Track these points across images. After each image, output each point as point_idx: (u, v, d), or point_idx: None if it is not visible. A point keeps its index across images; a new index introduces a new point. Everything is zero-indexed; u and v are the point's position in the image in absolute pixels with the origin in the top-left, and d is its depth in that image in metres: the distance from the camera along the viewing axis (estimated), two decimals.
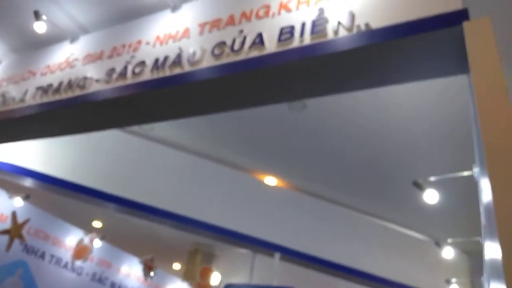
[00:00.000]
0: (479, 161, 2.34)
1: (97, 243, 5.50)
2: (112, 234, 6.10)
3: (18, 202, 4.91)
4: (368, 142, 4.57)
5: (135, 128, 5.17)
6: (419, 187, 3.58)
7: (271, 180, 5.82)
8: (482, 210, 2.57)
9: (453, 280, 5.48)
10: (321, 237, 5.74)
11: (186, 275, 8.27)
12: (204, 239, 8.54)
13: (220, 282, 8.88)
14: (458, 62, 1.93)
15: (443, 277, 5.66)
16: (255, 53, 2.39)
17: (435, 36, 1.88)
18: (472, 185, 3.26)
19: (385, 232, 6.10)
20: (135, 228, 8.74)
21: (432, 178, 3.62)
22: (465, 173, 3.39)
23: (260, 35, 2.43)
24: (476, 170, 2.63)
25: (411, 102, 3.95)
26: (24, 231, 4.95)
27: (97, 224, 7.77)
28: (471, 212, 3.79)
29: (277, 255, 5.34)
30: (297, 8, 2.43)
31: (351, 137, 4.54)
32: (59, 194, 5.28)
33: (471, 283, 6.30)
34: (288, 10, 2.46)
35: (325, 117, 4.49)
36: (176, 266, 10.73)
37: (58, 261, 5.38)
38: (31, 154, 4.77)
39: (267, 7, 2.56)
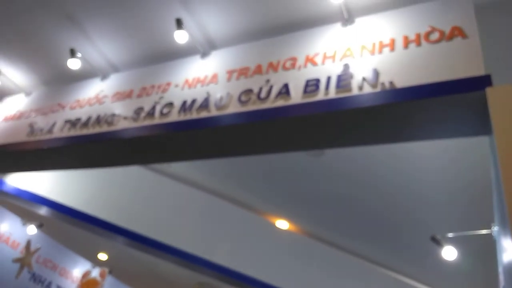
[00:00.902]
0: (500, 221, 2.35)
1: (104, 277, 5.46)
2: (117, 268, 6.04)
3: (31, 230, 4.95)
4: (384, 191, 4.57)
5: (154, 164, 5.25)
6: (436, 242, 3.55)
7: (282, 224, 5.79)
8: (501, 269, 2.54)
9: None
10: (330, 284, 5.62)
11: None
12: (208, 278, 8.40)
13: None
14: (480, 124, 2.00)
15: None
16: (281, 102, 2.49)
17: (458, 99, 1.95)
18: (488, 243, 3.23)
19: (397, 285, 5.96)
20: (139, 263, 8.64)
21: (450, 234, 3.59)
22: (483, 231, 3.36)
23: (286, 86, 2.54)
24: (495, 229, 2.62)
25: (429, 153, 3.99)
26: (33, 260, 4.95)
27: (102, 256, 7.72)
28: (487, 270, 3.73)
29: None
30: (323, 63, 2.55)
31: (368, 185, 4.55)
32: (71, 224, 5.32)
33: None
34: (314, 63, 2.59)
35: (342, 163, 4.53)
36: None
37: None
38: (48, 183, 4.86)
39: (294, 60, 2.69)
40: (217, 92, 2.80)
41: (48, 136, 3.51)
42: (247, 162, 5.01)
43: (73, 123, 3.39)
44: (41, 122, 3.72)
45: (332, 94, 2.34)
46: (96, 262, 5.88)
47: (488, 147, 2.04)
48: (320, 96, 2.38)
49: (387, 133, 2.30)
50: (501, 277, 2.52)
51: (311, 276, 5.57)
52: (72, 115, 3.52)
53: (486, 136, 2.08)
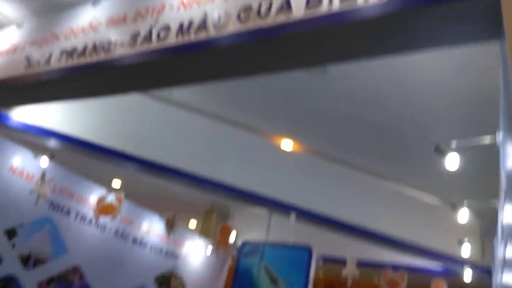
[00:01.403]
0: (505, 127, 2.35)
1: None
2: (131, 193, 6.27)
3: (44, 162, 5.09)
4: (387, 106, 4.57)
5: (155, 92, 5.22)
6: (440, 152, 3.61)
7: (287, 143, 5.88)
8: (503, 174, 2.61)
9: (465, 240, 5.62)
10: (337, 199, 5.88)
11: (202, 233, 8.58)
12: (220, 198, 8.78)
13: (235, 240, 9.21)
14: (492, 28, 1.92)
15: (455, 238, 5.81)
16: (282, 18, 2.37)
17: (470, 3, 1.85)
18: (491, 153, 3.29)
19: (399, 195, 6.21)
20: (152, 187, 8.99)
21: (453, 144, 3.64)
22: (486, 138, 3.40)
23: (287, 0, 2.40)
24: (500, 136, 2.64)
25: (432, 66, 3.90)
26: (49, 190, 5.16)
27: (116, 183, 8.02)
28: (487, 177, 3.84)
29: (293, 215, 5.51)
30: None
31: (371, 101, 4.53)
32: (81, 154, 5.45)
33: (482, 245, 6.46)
34: None
35: (344, 81, 4.47)
36: (192, 223, 11.12)
37: (83, 218, 5.63)
38: (56, 116, 4.89)
39: None
40: (215, 11, 2.67)
41: (46, 68, 3.45)
42: (249, 85, 4.94)
43: (69, 53, 3.31)
44: (37, 54, 3.63)
45: (336, 6, 2.22)
46: (111, 189, 6.13)
47: (498, 53, 1.98)
48: (324, 9, 2.26)
49: (396, 43, 2.22)
50: (503, 183, 2.59)
51: (317, 189, 5.80)
52: (68, 44, 3.42)
53: (495, 42, 2.01)
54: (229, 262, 8.74)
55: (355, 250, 6.61)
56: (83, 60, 3.19)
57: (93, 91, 3.52)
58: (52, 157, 5.15)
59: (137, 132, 5.37)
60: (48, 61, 3.47)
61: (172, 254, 7.21)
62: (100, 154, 5.20)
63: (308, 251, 4.96)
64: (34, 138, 5.20)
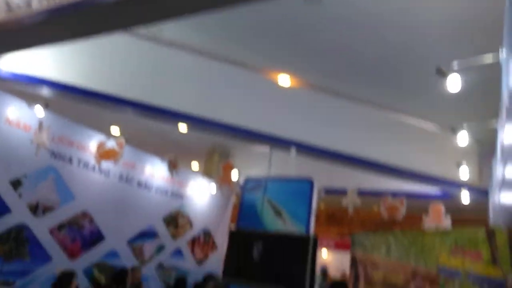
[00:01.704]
0: (509, 44, 2.28)
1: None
2: (130, 139, 6.28)
3: (39, 111, 5.02)
4: (384, 31, 4.43)
5: (145, 32, 5.02)
6: (442, 74, 3.54)
7: (285, 79, 5.78)
8: (505, 92, 2.58)
9: (463, 163, 5.73)
10: (336, 131, 5.90)
11: (205, 173, 8.74)
12: (220, 139, 8.82)
13: (238, 178, 9.40)
14: None
15: (453, 163, 5.91)
16: None
17: None
18: (491, 71, 3.22)
19: (398, 124, 6.22)
20: (152, 133, 9.01)
21: (454, 64, 3.56)
22: (488, 57, 3.32)
23: None
24: (503, 52, 2.57)
25: None
26: (48, 139, 5.15)
27: (115, 130, 8.01)
28: (488, 98, 3.81)
29: (293, 150, 5.56)
30: None
31: (369, 28, 4.38)
32: (76, 101, 5.37)
33: (479, 167, 6.60)
34: None
35: (341, 9, 4.28)
36: (195, 166, 11.29)
37: (85, 164, 5.68)
38: (47, 63, 4.74)
39: None
40: None
41: (27, 11, 3.27)
42: (243, 19, 4.75)
43: None
44: None
45: None
46: (110, 136, 6.13)
47: None
48: None
49: None
50: (505, 100, 2.56)
51: (316, 123, 5.80)
52: None
53: None
54: (233, 199, 9.00)
55: (355, 181, 6.78)
56: (65, 0, 3.02)
57: (77, 32, 3.37)
58: (46, 106, 5.07)
59: (132, 75, 5.25)
60: (29, 3, 3.28)
61: (178, 195, 7.38)
62: (96, 100, 5.12)
63: (310, 183, 5.07)
64: (25, 88, 5.09)
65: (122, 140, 5.26)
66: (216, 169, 8.96)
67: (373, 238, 1.81)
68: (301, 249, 4.75)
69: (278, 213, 5.14)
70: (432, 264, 1.57)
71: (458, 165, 5.74)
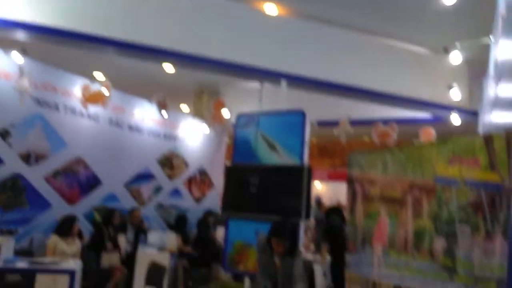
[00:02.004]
0: None
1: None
2: (116, 84, 6.09)
3: (17, 57, 4.79)
4: None
5: None
6: None
7: (271, 8, 5.53)
8: (502, 3, 2.48)
9: (454, 85, 5.71)
10: (325, 60, 5.77)
11: (195, 114, 8.67)
12: (208, 77, 8.63)
13: (230, 116, 9.35)
14: None
15: (444, 85, 5.89)
16: None
17: None
18: None
19: (389, 49, 6.10)
20: (137, 75, 8.76)
21: None
22: None
23: None
24: None
25: None
26: (31, 85, 4.97)
27: (98, 75, 7.77)
28: (481, 13, 3.69)
29: (284, 82, 5.47)
30: None
31: None
32: (55, 44, 5.13)
33: (470, 89, 6.60)
34: None
35: None
36: (185, 108, 11.17)
37: (73, 110, 5.55)
38: (19, 4, 4.43)
39: None
40: None
41: None
42: None
43: None
44: None
45: None
46: (94, 80, 5.94)
47: None
48: None
49: None
50: (502, 11, 2.47)
51: (305, 53, 5.66)
52: None
53: None
54: (226, 137, 9.03)
55: (347, 111, 6.75)
56: None
57: None
58: (24, 51, 4.84)
59: (112, 13, 4.97)
60: None
61: (170, 136, 7.37)
62: (76, 41, 4.88)
63: (302, 114, 5.03)
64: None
65: (108, 83, 5.10)
66: (206, 109, 8.88)
67: (369, 157, 1.81)
68: (296, 179, 4.84)
69: (272, 146, 5.15)
70: (429, 175, 1.58)
71: (449, 87, 5.73)
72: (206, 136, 8.37)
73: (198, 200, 8.10)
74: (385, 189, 1.73)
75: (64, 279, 3.87)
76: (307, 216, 4.81)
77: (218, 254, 6.67)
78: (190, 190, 7.88)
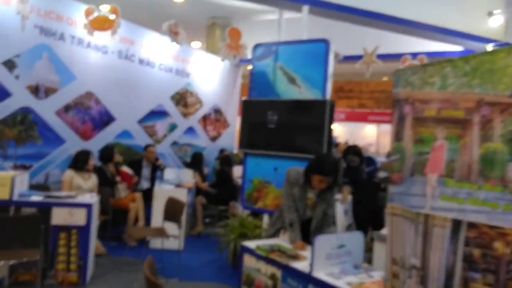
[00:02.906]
0: None
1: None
2: (122, 15, 5.68)
3: None
4: None
5: None
6: None
7: None
8: None
9: (490, 14, 5.17)
10: None
11: (208, 49, 8.26)
12: (220, 9, 8.11)
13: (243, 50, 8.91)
14: None
15: (478, 15, 5.35)
16: None
17: None
18: None
19: None
20: (145, 7, 8.26)
21: None
22: None
23: None
24: None
25: None
26: (34, 13, 4.64)
27: (105, 8, 7.31)
28: None
29: (305, 8, 5.00)
30: None
31: None
32: None
33: (506, 21, 6.02)
34: None
35: None
36: (196, 44, 10.70)
37: (80, 41, 5.22)
38: None
39: None
40: None
41: None
42: None
43: None
44: None
45: None
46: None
47: None
48: None
49: None
50: None
51: None
52: None
53: None
54: (240, 74, 8.68)
55: (372, 44, 6.25)
56: None
57: None
58: None
59: None
60: None
61: (183, 72, 7.06)
62: None
63: (325, 43, 4.63)
64: None
65: (117, 8, 4.67)
66: (218, 43, 8.45)
67: (423, 72, 1.52)
68: (318, 114, 4.56)
69: (292, 79, 4.81)
70: (504, 88, 1.28)
71: (488, 14, 5.18)
72: (221, 73, 8.03)
73: (213, 139, 7.95)
74: (444, 108, 1.45)
75: (81, 213, 3.81)
76: (329, 152, 4.60)
77: (236, 191, 6.63)
78: (205, 129, 7.71)
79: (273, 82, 4.99)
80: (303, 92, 4.78)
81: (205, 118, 7.69)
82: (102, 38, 5.49)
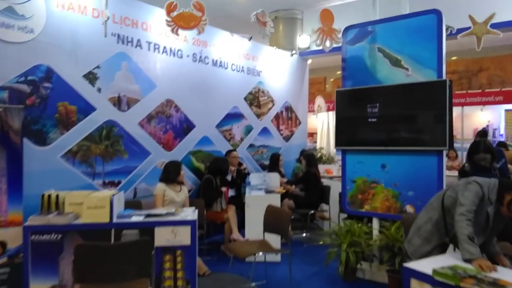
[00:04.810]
0: None
1: None
2: None
3: None
4: None
5: None
6: None
7: None
8: None
9: None
10: None
11: (272, 44, 7.80)
12: (282, 2, 7.63)
13: (309, 45, 8.36)
14: None
15: None
16: None
17: None
18: None
19: None
20: (207, 8, 7.94)
21: None
22: None
23: None
24: None
25: None
26: (109, 21, 4.38)
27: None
28: None
29: None
30: None
31: None
32: None
33: None
34: None
35: None
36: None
37: (156, 47, 4.93)
38: None
39: None
40: None
41: None
42: None
43: None
44: None
45: None
46: None
47: None
48: None
49: None
50: None
51: None
52: None
53: None
54: (307, 66, 8.16)
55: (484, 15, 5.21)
56: None
57: None
58: None
59: None
60: None
61: (254, 71, 6.65)
62: None
63: (437, 15, 3.98)
64: None
65: (202, 4, 4.25)
66: (282, 36, 7.96)
67: None
68: (435, 98, 3.91)
69: (396, 61, 4.20)
70: None
71: None
72: (289, 68, 7.55)
73: (286, 138, 7.47)
74: None
75: (185, 231, 3.43)
76: (451, 145, 3.94)
77: (325, 193, 6.09)
78: (278, 129, 7.25)
79: (372, 67, 4.41)
80: (411, 74, 4.16)
81: (277, 117, 7.23)
82: (176, 41, 5.18)
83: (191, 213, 3.64)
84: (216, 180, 5.21)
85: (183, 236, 3.44)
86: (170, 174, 4.35)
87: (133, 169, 4.69)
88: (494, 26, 4.46)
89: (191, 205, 4.49)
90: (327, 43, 4.04)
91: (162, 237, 3.43)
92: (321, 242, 4.50)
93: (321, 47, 4.05)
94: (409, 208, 4.13)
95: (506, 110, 10.68)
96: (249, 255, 3.59)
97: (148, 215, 3.54)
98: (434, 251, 2.70)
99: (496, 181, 2.47)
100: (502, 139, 10.37)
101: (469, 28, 4.39)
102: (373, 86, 4.33)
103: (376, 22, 4.43)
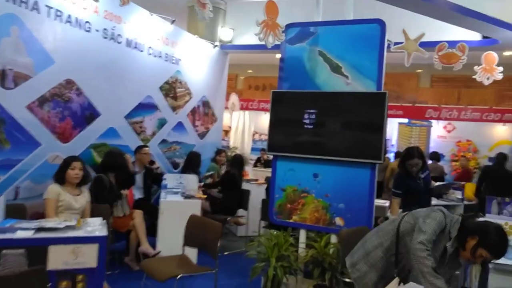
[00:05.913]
0: None
1: None
2: None
3: None
4: None
5: None
6: None
7: None
8: None
9: None
10: None
11: (191, 31, 7.17)
12: None
13: (232, 37, 7.91)
14: None
15: None
16: None
17: None
18: None
19: None
20: None
21: None
22: None
23: None
24: None
25: None
26: None
27: None
28: None
29: None
30: None
31: None
32: None
33: None
34: None
35: None
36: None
37: (58, 14, 3.98)
38: None
39: None
40: None
41: None
42: None
43: None
44: None
45: None
46: None
47: None
48: None
49: None
50: None
51: None
52: None
53: None
54: (228, 60, 7.72)
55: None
56: None
57: None
58: None
59: None
60: None
61: (172, 58, 5.96)
62: None
63: (380, 24, 3.84)
64: None
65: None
66: (202, 25, 7.37)
67: None
68: (373, 109, 3.78)
69: (336, 67, 3.98)
70: None
71: None
72: (210, 60, 7.00)
73: (201, 135, 6.93)
74: None
75: (90, 250, 2.71)
76: (383, 158, 3.85)
77: (243, 198, 5.71)
78: (194, 124, 6.66)
79: (312, 71, 4.13)
80: (351, 83, 3.97)
81: (194, 112, 6.64)
82: (84, 11, 4.28)
83: (99, 227, 2.91)
84: (110, 179, 4.34)
85: (88, 257, 2.73)
86: (63, 172, 3.50)
87: (16, 162, 3.69)
88: (422, 44, 4.53)
89: (94, 212, 3.70)
90: (270, 39, 3.62)
91: (58, 259, 2.67)
92: (247, 254, 4.08)
93: (263, 42, 3.61)
94: (339, 221, 3.95)
95: (400, 123, 11.58)
96: (169, 278, 3.01)
97: (39, 229, 2.73)
98: (379, 284, 2.46)
99: (459, 218, 2.30)
100: (394, 150, 11.22)
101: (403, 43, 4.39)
102: (313, 91, 4.05)
103: (319, 23, 4.15)
